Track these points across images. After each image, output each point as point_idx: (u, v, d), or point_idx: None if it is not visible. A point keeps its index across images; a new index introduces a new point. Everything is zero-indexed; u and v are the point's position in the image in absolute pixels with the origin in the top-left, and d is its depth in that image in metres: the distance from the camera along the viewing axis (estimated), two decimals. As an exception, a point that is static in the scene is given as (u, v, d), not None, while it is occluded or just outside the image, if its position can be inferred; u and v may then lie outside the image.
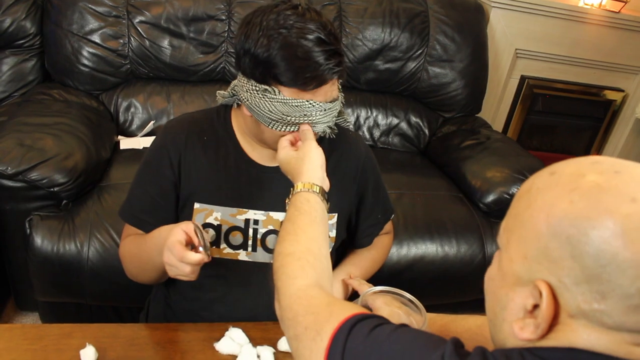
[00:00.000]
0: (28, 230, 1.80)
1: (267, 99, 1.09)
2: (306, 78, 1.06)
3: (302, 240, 0.91)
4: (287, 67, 1.05)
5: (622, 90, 3.48)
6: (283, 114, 1.09)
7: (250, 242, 1.27)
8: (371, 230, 1.43)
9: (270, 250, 1.28)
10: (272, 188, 1.25)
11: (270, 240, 1.27)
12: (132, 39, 2.42)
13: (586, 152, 3.64)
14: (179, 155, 1.24)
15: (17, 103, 2.28)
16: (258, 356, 1.12)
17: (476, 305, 2.28)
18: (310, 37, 1.05)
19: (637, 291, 0.55)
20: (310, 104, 1.09)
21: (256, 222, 1.26)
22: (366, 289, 1.14)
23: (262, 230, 1.27)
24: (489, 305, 0.70)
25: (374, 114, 2.76)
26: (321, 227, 0.96)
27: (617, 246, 0.55)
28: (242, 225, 1.26)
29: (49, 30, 2.38)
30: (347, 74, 2.63)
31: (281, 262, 0.88)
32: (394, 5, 2.66)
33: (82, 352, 1.05)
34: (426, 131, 2.82)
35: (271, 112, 1.10)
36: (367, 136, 2.76)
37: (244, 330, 1.16)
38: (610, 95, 3.47)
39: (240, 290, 1.28)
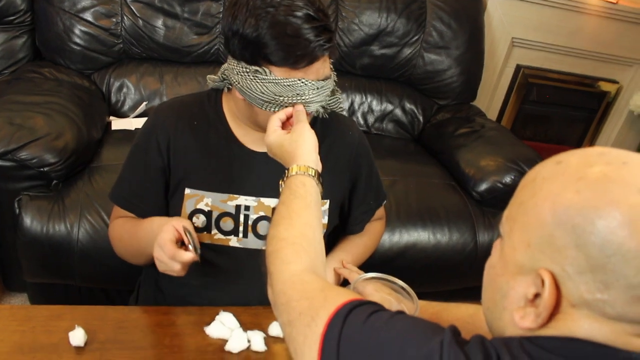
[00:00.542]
0: (17, 210, 1.78)
1: (258, 80, 1.07)
2: (297, 56, 1.04)
3: (296, 225, 0.90)
4: (277, 46, 1.03)
5: (617, 82, 3.48)
6: (275, 95, 1.08)
7: (241, 228, 1.25)
8: (363, 217, 1.43)
9: (261, 237, 1.26)
10: (264, 174, 1.24)
11: (261, 226, 1.26)
12: (125, 17, 2.38)
13: (579, 143, 3.65)
14: (167, 140, 1.22)
15: (7, 81, 2.24)
16: (248, 341, 1.11)
17: (467, 293, 2.30)
18: (299, 14, 1.03)
19: None
20: (302, 82, 1.07)
21: (247, 208, 1.25)
22: (357, 277, 1.13)
23: (253, 217, 1.25)
24: (488, 293, 0.70)
25: (369, 100, 2.75)
26: (315, 212, 0.95)
27: (623, 236, 0.55)
28: (232, 211, 1.24)
29: (39, 7, 2.34)
30: (342, 58, 2.63)
31: (275, 246, 0.87)
32: (391, -10, 2.63)
33: (71, 334, 1.05)
34: (420, 118, 2.81)
35: (263, 93, 1.08)
36: (362, 122, 2.74)
37: (234, 315, 1.16)
38: (605, 86, 3.47)
39: (232, 277, 1.27)
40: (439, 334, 0.64)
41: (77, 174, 1.92)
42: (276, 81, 1.06)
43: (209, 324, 1.14)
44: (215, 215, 1.24)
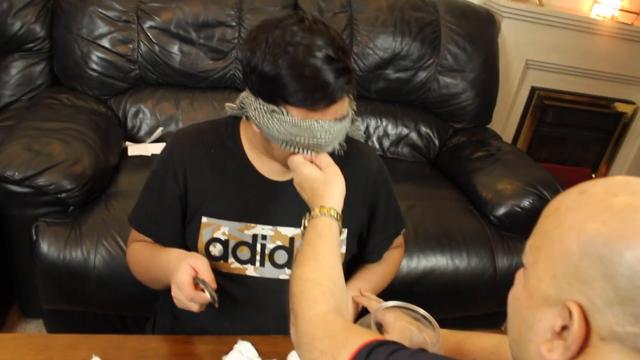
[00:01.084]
0: (34, 237, 1.78)
1: (275, 120, 1.06)
2: (315, 98, 1.03)
3: (323, 267, 0.91)
4: (296, 87, 1.02)
5: (633, 103, 3.46)
6: (292, 135, 1.07)
7: (258, 257, 1.24)
8: (381, 245, 1.41)
9: (278, 266, 1.25)
10: (281, 203, 1.23)
11: (278, 255, 1.25)
12: (141, 44, 2.41)
13: (596, 164, 3.61)
14: (184, 168, 1.22)
15: (26, 107, 2.27)
16: (267, 371, 1.10)
17: (486, 319, 2.27)
18: (319, 54, 1.01)
19: None
20: (319, 124, 1.05)
21: (264, 237, 1.24)
22: (376, 305, 1.12)
23: (270, 246, 1.24)
24: (513, 325, 0.68)
25: (384, 124, 2.74)
26: (338, 256, 0.97)
27: None
28: (249, 240, 1.23)
29: (58, 34, 2.37)
30: (357, 83, 2.63)
31: (301, 287, 0.87)
32: (405, 14, 2.64)
33: (89, 365, 1.04)
34: (436, 142, 2.80)
35: (279, 132, 1.07)
36: (377, 146, 2.74)
37: (253, 344, 1.15)
38: (621, 107, 3.45)
39: (248, 305, 1.26)
40: None
41: (93, 200, 1.92)
42: (293, 122, 1.05)
43: (227, 353, 1.13)
44: (232, 244, 1.23)
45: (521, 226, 2.21)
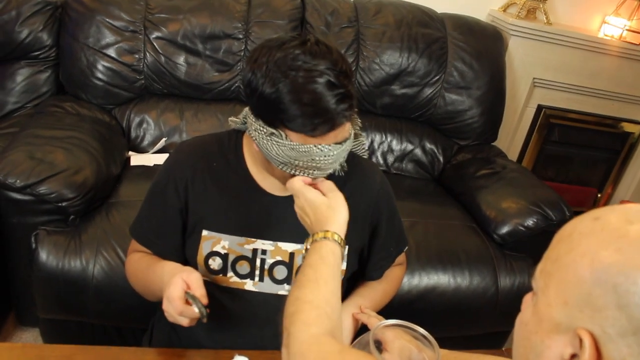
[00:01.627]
0: (34, 245, 1.77)
1: (274, 142, 1.05)
2: (315, 124, 1.02)
3: (322, 291, 0.91)
4: (295, 112, 1.00)
5: (640, 123, 3.44)
6: (291, 158, 1.06)
7: (257, 272, 1.23)
8: (382, 263, 1.39)
9: (277, 281, 1.24)
10: (282, 218, 1.22)
11: (277, 270, 1.24)
12: (147, 54, 2.41)
13: (602, 184, 3.59)
14: (185, 181, 1.21)
15: (30, 115, 2.27)
16: (264, 388, 1.08)
17: (487, 339, 2.24)
18: (320, 80, 0.99)
19: None
20: (319, 149, 1.05)
21: (264, 252, 1.23)
22: (376, 323, 1.11)
23: (269, 261, 1.23)
24: (520, 351, 0.67)
25: (389, 139, 2.73)
26: (339, 282, 0.97)
27: None
28: (249, 255, 1.22)
29: (65, 43, 2.38)
30: (362, 98, 2.63)
31: (297, 307, 0.86)
32: (412, 30, 2.64)
33: (83, 377, 1.02)
34: (441, 158, 2.79)
35: (278, 154, 1.06)
36: (381, 161, 2.72)
37: (250, 359, 1.13)
38: (628, 127, 3.44)
39: (246, 320, 1.25)
40: None
41: (94, 210, 1.91)
42: (292, 146, 1.04)
43: (223, 368, 1.11)
44: (231, 258, 1.22)
45: (525, 245, 2.19)
